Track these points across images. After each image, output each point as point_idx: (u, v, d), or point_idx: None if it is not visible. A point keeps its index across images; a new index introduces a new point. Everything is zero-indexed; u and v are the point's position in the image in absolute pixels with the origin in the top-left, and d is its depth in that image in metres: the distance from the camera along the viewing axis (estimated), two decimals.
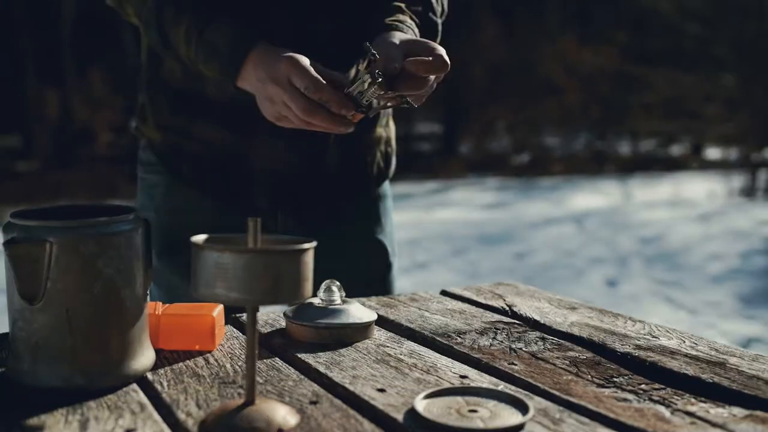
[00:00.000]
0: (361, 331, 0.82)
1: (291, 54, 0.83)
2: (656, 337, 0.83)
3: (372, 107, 0.84)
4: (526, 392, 0.67)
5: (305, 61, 0.83)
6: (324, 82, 0.81)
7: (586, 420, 0.61)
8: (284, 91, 0.82)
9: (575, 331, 0.86)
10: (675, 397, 0.66)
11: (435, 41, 0.96)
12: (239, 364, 0.74)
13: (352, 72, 0.84)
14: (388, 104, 0.86)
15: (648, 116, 12.48)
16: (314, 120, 0.82)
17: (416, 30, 0.97)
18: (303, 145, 1.03)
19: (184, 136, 1.05)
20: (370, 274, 1.14)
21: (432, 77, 0.85)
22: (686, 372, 0.72)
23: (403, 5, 1.00)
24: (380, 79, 0.80)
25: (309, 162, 1.05)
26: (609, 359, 0.76)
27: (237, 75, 0.88)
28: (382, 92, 0.82)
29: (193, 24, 0.91)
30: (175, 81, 1.05)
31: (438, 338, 0.83)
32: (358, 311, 0.84)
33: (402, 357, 0.77)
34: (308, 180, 1.07)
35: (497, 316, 0.93)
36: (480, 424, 0.58)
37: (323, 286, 0.85)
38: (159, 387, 0.68)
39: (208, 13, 0.91)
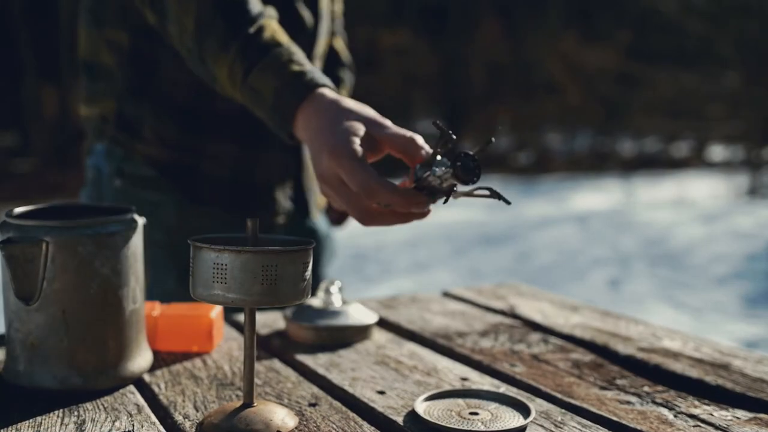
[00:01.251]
0: (360, 332, 0.82)
1: (336, 143, 0.66)
2: (659, 339, 0.82)
3: (452, 195, 0.64)
4: (528, 394, 0.66)
5: (353, 146, 0.66)
6: (377, 182, 0.64)
7: (588, 423, 0.60)
8: (337, 194, 0.68)
9: (577, 332, 0.85)
10: (678, 399, 0.65)
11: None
12: (237, 365, 0.74)
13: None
14: (474, 193, 0.64)
15: (650, 115, 12.46)
16: (380, 223, 0.68)
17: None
18: (299, 156, 1.07)
19: (196, 154, 0.99)
20: (324, 263, 1.18)
21: None
22: (690, 374, 0.71)
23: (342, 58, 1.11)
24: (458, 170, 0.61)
25: (302, 169, 1.09)
26: (611, 361, 0.76)
27: (290, 130, 0.74)
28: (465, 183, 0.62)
29: (238, 63, 0.76)
30: (180, 96, 0.97)
31: (439, 340, 0.82)
32: (358, 312, 0.83)
33: (402, 359, 0.76)
34: (303, 186, 1.09)
35: (499, 318, 0.92)
36: (481, 427, 0.58)
37: (323, 286, 0.85)
38: (156, 388, 0.67)
39: (253, 48, 0.76)
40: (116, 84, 0.99)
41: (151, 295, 0.95)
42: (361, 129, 0.68)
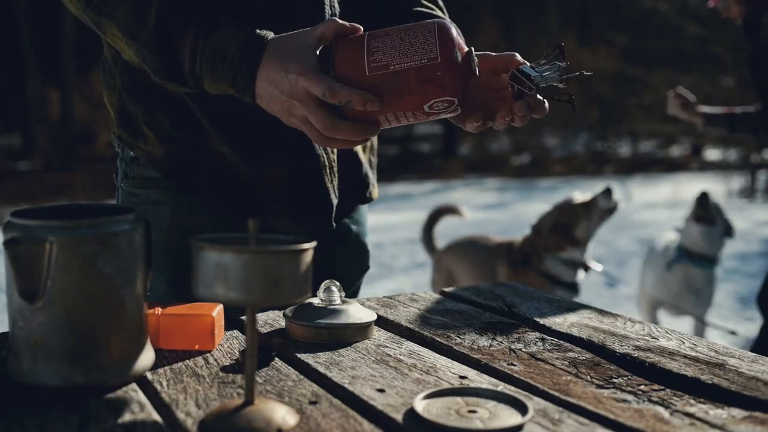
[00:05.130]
0: (360, 331, 0.82)
1: (300, 62, 0.76)
2: (656, 338, 0.83)
3: (539, 87, 0.79)
4: (526, 393, 0.67)
5: (314, 63, 0.76)
6: (339, 85, 0.74)
7: (586, 421, 0.61)
8: (304, 104, 0.76)
9: (575, 331, 0.86)
10: (674, 398, 0.66)
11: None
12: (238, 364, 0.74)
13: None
14: (555, 98, 0.82)
15: (647, 117, 12.49)
16: (338, 134, 0.76)
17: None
18: (308, 158, 0.98)
19: (196, 149, 0.96)
20: (354, 277, 1.12)
21: None
22: (686, 373, 0.72)
23: None
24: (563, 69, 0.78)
25: (313, 175, 1.00)
26: (608, 360, 0.77)
27: (253, 84, 0.79)
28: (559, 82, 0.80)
29: (198, 33, 0.80)
30: (171, 92, 0.94)
31: (437, 338, 0.83)
32: (358, 311, 0.84)
33: (401, 357, 0.77)
34: (315, 193, 1.00)
35: (497, 317, 0.93)
36: (479, 425, 0.58)
37: (323, 286, 0.86)
38: (158, 386, 0.68)
39: (213, 18, 0.81)
40: (116, 79, 0.98)
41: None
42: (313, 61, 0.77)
